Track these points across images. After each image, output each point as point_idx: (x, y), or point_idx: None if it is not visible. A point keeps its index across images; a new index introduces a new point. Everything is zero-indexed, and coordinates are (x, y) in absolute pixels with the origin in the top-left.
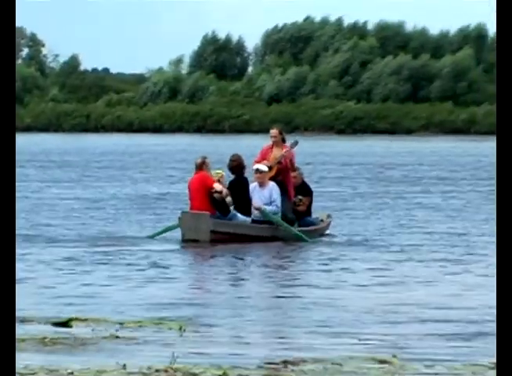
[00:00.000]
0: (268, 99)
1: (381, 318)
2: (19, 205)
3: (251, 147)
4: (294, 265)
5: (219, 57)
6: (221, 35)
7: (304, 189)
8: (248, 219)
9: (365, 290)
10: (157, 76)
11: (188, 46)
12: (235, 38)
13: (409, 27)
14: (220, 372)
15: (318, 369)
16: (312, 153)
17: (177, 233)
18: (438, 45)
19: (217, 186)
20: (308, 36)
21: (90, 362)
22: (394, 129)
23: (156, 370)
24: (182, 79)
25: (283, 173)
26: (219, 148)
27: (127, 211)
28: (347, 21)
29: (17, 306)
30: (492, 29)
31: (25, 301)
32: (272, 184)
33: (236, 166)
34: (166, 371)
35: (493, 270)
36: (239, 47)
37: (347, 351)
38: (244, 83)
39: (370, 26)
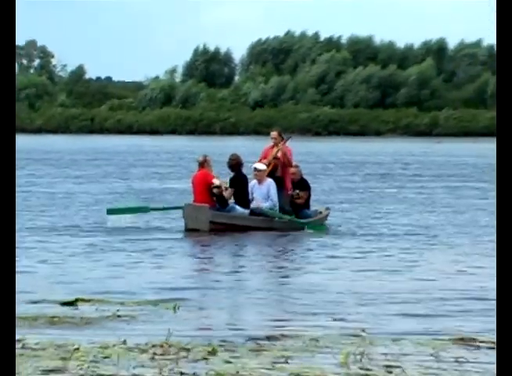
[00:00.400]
0: (252, 104)
1: (358, 300)
2: (34, 199)
3: (238, 147)
4: (286, 253)
5: (209, 67)
6: (211, 48)
7: (303, 184)
8: (246, 211)
9: (349, 275)
10: (154, 84)
11: (181, 57)
12: (223, 50)
13: (378, 40)
14: (210, 348)
15: (297, 344)
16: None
17: (180, 223)
18: (404, 57)
19: (216, 181)
20: (288, 49)
21: (94, 338)
22: (364, 131)
23: (153, 346)
24: (176, 87)
25: (280, 168)
26: (209, 148)
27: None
28: (323, 35)
29: (32, 288)
30: (451, 42)
31: (39, 283)
32: (269, 181)
33: (235, 164)
34: (161, 346)
35: (463, 257)
36: (227, 58)
37: (325, 328)
38: (231, 90)
39: (343, 40)
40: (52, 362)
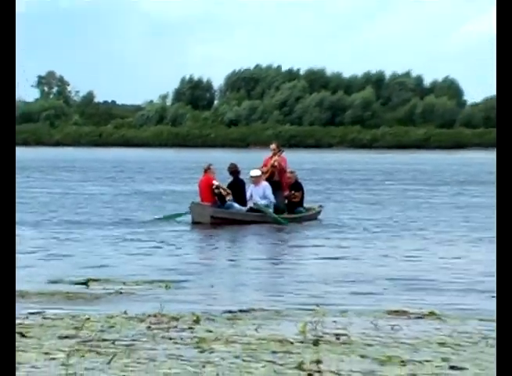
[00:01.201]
0: (228, 123)
1: (319, 281)
2: (59, 199)
3: (217, 158)
4: (272, 242)
5: (194, 93)
6: (195, 77)
7: (297, 186)
8: (243, 208)
9: (319, 261)
10: (149, 106)
11: (171, 85)
12: (205, 80)
13: (329, 72)
14: (194, 317)
15: (263, 315)
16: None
17: (187, 218)
18: (349, 85)
19: (215, 182)
20: (257, 78)
21: (101, 310)
22: (318, 144)
23: (148, 316)
24: (167, 109)
25: (277, 174)
26: (193, 158)
27: (145, 202)
28: (285, 68)
29: (52, 272)
30: (387, 73)
31: (58, 267)
32: (264, 183)
33: (234, 171)
34: (155, 316)
35: (411, 246)
36: (208, 86)
37: (288, 304)
38: (211, 112)
39: (302, 71)
40: (67, 330)
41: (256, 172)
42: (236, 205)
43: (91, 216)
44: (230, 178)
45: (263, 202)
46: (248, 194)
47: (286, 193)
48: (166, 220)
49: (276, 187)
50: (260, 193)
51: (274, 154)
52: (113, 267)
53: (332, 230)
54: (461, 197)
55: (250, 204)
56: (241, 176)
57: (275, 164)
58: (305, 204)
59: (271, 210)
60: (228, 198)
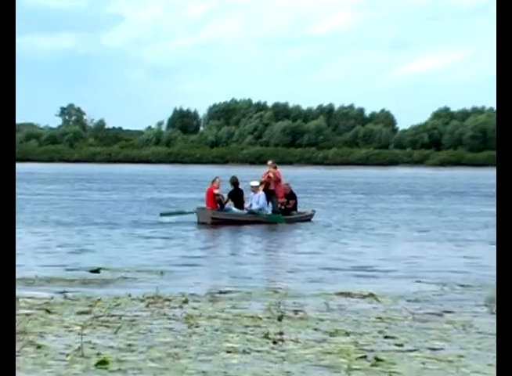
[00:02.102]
0: (211, 144)
1: (289, 270)
2: (83, 204)
3: (202, 172)
4: (260, 239)
5: (183, 121)
6: (184, 108)
7: (292, 196)
8: (241, 211)
9: (296, 254)
10: (149, 131)
11: (166, 114)
12: (192, 110)
13: (291, 104)
14: (183, 298)
15: (237, 296)
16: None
17: (194, 219)
18: (306, 115)
19: (216, 191)
20: (233, 109)
21: (110, 293)
22: (282, 162)
23: (147, 297)
24: (163, 133)
25: (273, 184)
26: (183, 172)
27: (154, 207)
28: (255, 101)
29: (71, 261)
30: (336, 106)
31: (77, 258)
32: (261, 192)
33: (234, 182)
34: (152, 297)
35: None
36: (195, 115)
37: (258, 287)
38: (197, 136)
39: (269, 104)
40: (82, 307)
41: (255, 183)
42: (234, 209)
43: (109, 218)
44: (231, 188)
45: (258, 207)
46: (249, 201)
47: (283, 200)
48: (170, 215)
49: (272, 194)
50: (256, 200)
51: (270, 169)
52: (121, 258)
53: (314, 230)
54: (397, 204)
55: (251, 208)
56: (239, 186)
57: (271, 175)
58: (300, 209)
59: (265, 212)
60: (228, 203)
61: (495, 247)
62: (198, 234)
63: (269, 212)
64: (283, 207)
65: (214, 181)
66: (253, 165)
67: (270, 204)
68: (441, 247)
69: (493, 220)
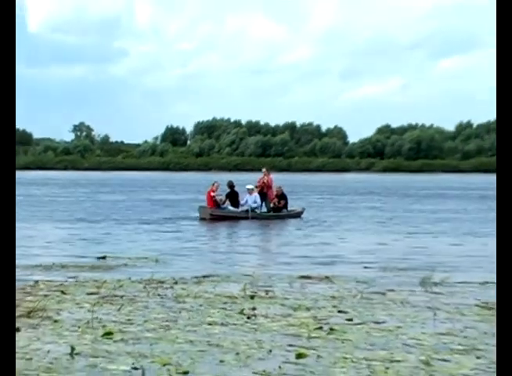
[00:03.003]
0: (196, 155)
1: (262, 258)
2: (96, 204)
3: (189, 177)
4: (253, 231)
5: (174, 136)
6: (174, 126)
7: (283, 196)
8: (236, 209)
9: (277, 245)
10: (145, 144)
11: (160, 130)
12: (181, 127)
13: (262, 122)
14: (174, 281)
15: (218, 279)
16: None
17: (197, 215)
18: (274, 131)
19: (213, 193)
20: (214, 126)
21: (113, 276)
22: (253, 169)
23: (144, 280)
24: (157, 146)
25: (266, 187)
26: (174, 177)
27: (159, 207)
28: (232, 119)
29: (84, 251)
30: (298, 123)
31: (88, 248)
32: (255, 194)
33: (230, 186)
34: (148, 280)
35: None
36: (183, 131)
37: (234, 272)
38: (185, 148)
39: (243, 122)
40: (91, 289)
41: (250, 186)
42: (230, 207)
43: (117, 215)
44: (228, 190)
45: (253, 205)
46: (244, 200)
47: (275, 200)
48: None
49: (265, 196)
50: (252, 200)
51: (264, 175)
52: (123, 248)
53: (296, 224)
54: (355, 203)
55: (246, 207)
56: (234, 189)
57: (265, 181)
58: (291, 207)
59: (258, 210)
60: (225, 203)
61: (437, 237)
62: (197, 228)
63: (264, 210)
64: (273, 206)
65: (213, 185)
66: (230, 172)
67: (264, 203)
68: (393, 238)
69: (433, 215)
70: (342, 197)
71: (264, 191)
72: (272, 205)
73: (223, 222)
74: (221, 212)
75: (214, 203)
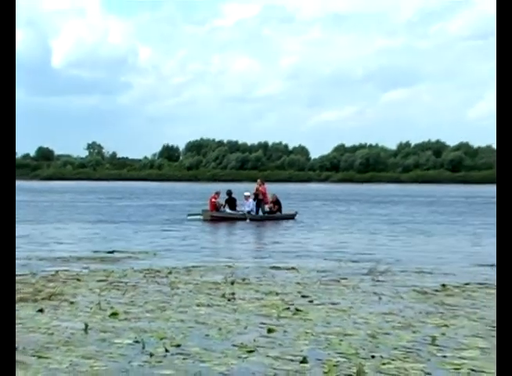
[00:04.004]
0: (187, 168)
1: (244, 253)
2: (109, 207)
3: (182, 188)
4: (245, 230)
5: (169, 152)
6: (170, 144)
7: (277, 202)
8: (233, 212)
9: (285, 242)
10: (145, 160)
11: (157, 148)
12: (175, 145)
13: (240, 142)
14: (168, 270)
15: (204, 269)
16: (210, 189)
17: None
18: (251, 148)
19: (213, 200)
20: (201, 145)
21: (119, 267)
22: (233, 180)
23: (144, 270)
24: (155, 161)
25: (261, 194)
26: (169, 187)
27: (167, 210)
28: (217, 139)
29: (96, 247)
30: (270, 143)
31: (99, 244)
32: (251, 200)
33: (229, 193)
34: (148, 270)
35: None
36: (177, 149)
37: (219, 262)
38: (178, 162)
39: (225, 141)
40: (101, 277)
41: (247, 193)
42: (228, 210)
43: (127, 217)
44: (227, 197)
45: (247, 209)
46: (241, 205)
47: (270, 205)
48: (194, 215)
49: (261, 202)
50: (248, 205)
51: (259, 184)
52: (130, 244)
53: (286, 226)
54: (320, 207)
55: (242, 210)
56: (232, 195)
57: (260, 189)
58: (286, 211)
59: (254, 213)
60: (225, 207)
61: (388, 235)
62: (198, 227)
63: (260, 214)
64: (270, 210)
65: (216, 193)
66: (216, 182)
67: (260, 208)
68: (355, 236)
69: (387, 218)
70: (312, 203)
71: (259, 198)
72: (267, 209)
73: (222, 223)
74: (220, 214)
75: (215, 207)
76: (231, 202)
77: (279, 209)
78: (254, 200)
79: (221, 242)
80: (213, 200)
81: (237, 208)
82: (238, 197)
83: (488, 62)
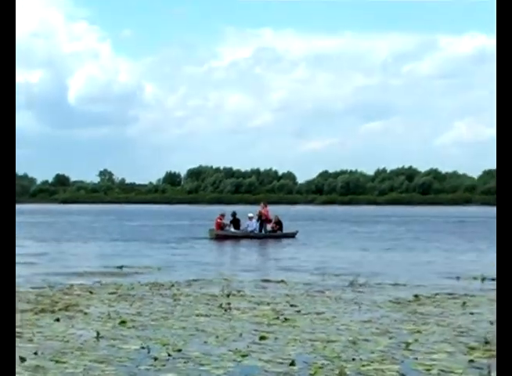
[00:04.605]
0: (188, 192)
1: (240, 268)
2: (120, 228)
3: (185, 208)
4: (254, 247)
5: (172, 178)
6: (173, 171)
7: (279, 222)
8: (237, 231)
9: (279, 258)
10: (150, 185)
11: (161, 174)
12: (177, 172)
13: (234, 168)
14: (171, 284)
15: (203, 282)
16: (206, 211)
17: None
18: (244, 175)
19: (219, 220)
20: (200, 171)
21: (128, 281)
22: (229, 203)
23: (150, 283)
24: (159, 186)
25: (264, 215)
26: (171, 209)
27: (174, 229)
28: (214, 166)
29: (107, 262)
30: (261, 169)
31: (110, 259)
32: (254, 220)
33: (233, 215)
34: (153, 283)
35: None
36: (179, 175)
37: (215, 277)
38: (180, 187)
39: (221, 168)
40: (111, 290)
41: (250, 215)
42: (232, 229)
43: (136, 236)
44: (231, 218)
45: (250, 229)
46: (245, 225)
47: (273, 225)
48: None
49: (264, 222)
50: (251, 225)
51: (262, 208)
52: (138, 260)
53: (285, 243)
54: (309, 227)
55: (245, 230)
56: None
57: (263, 211)
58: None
59: (257, 232)
60: (229, 227)
61: (369, 251)
62: (203, 245)
63: (263, 232)
64: (272, 230)
65: (221, 215)
66: (216, 204)
67: (262, 228)
68: (340, 252)
69: (368, 235)
70: (304, 222)
71: (262, 218)
72: (270, 229)
73: (226, 241)
74: (224, 233)
75: (220, 226)
76: (235, 222)
77: (280, 228)
78: (258, 220)
79: (222, 258)
80: (218, 220)
81: (241, 228)
82: (239, 217)
83: (454, 97)
